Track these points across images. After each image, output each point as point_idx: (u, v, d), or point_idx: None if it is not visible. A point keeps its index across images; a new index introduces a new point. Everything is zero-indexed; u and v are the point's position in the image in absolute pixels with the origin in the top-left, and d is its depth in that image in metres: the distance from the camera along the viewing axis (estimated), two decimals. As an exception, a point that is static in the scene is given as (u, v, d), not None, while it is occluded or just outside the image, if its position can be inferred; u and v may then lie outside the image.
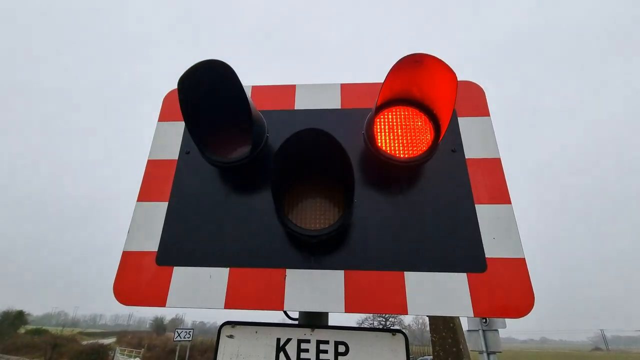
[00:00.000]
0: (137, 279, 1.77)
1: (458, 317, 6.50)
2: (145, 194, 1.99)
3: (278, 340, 1.74)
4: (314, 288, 1.70)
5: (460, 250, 1.77)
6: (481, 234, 1.81)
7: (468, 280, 1.70)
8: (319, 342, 1.72)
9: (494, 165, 2.00)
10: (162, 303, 1.71)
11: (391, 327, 1.88)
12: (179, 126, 2.20)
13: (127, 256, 1.83)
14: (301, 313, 1.88)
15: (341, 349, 1.71)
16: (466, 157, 2.02)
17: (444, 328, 6.87)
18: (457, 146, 2.05)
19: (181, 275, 1.77)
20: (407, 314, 1.62)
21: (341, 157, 1.52)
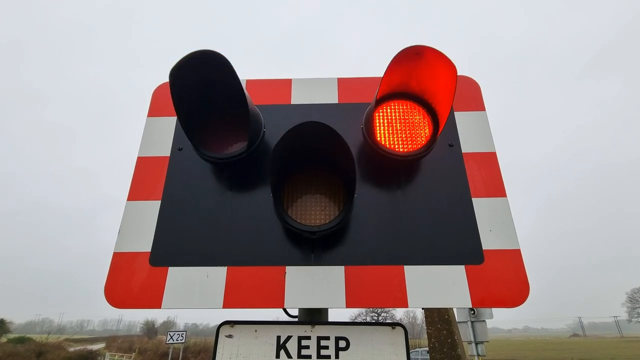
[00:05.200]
0: (130, 281, 1.72)
1: (452, 309, 6.60)
2: (136, 193, 1.93)
3: (278, 338, 1.71)
4: (315, 284, 1.68)
5: (458, 243, 1.78)
6: (478, 226, 1.82)
7: (466, 272, 1.71)
8: (319, 339, 1.71)
9: (490, 159, 2.02)
10: (157, 305, 1.66)
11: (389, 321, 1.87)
12: (171, 121, 2.13)
13: (118, 258, 1.77)
14: (301, 310, 1.86)
15: (342, 344, 1.70)
16: (463, 151, 2.03)
17: (439, 320, 7.01)
18: (454, 140, 2.06)
19: (176, 275, 1.72)
20: (407, 307, 1.61)
21: (343, 151, 1.50)
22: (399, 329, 1.74)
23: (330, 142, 1.51)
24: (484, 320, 9.01)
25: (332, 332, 1.72)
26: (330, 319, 1.87)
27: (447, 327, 6.89)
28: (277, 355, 1.68)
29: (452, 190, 1.91)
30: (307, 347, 1.69)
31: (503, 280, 1.70)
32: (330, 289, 1.67)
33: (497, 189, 1.93)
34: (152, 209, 1.88)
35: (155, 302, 1.66)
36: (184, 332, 24.46)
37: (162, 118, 2.16)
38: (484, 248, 1.77)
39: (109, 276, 1.72)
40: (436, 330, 6.96)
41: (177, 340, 23.51)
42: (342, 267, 1.71)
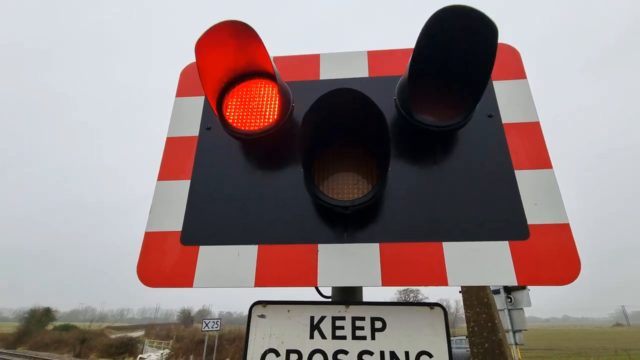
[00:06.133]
0: (162, 260, 1.73)
1: (491, 293, 6.36)
2: (166, 173, 1.94)
3: (312, 318, 1.67)
4: (349, 263, 1.62)
5: (500, 218, 1.66)
6: (522, 200, 1.69)
7: (510, 249, 1.59)
8: (354, 319, 1.65)
9: (533, 129, 1.87)
10: (188, 283, 1.66)
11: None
12: (199, 101, 2.12)
13: (149, 237, 1.79)
14: (334, 290, 1.81)
15: (378, 324, 1.63)
16: (503, 122, 1.89)
17: (478, 304, 6.74)
18: (493, 111, 1.91)
19: (207, 254, 1.71)
20: (447, 285, 1.52)
21: (377, 120, 1.40)
22: (438, 310, 1.66)
23: (363, 110, 1.42)
24: (522, 309, 8.68)
25: (368, 313, 1.66)
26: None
27: (486, 311, 6.60)
28: (311, 336, 1.64)
29: (492, 163, 1.78)
30: (342, 327, 1.64)
31: (551, 257, 1.57)
32: (365, 267, 1.60)
33: (541, 160, 1.78)
34: (182, 188, 1.88)
35: (186, 281, 1.66)
36: (219, 320, 25.14)
37: (190, 98, 2.15)
38: (529, 223, 1.64)
39: (141, 256, 1.74)
40: (475, 314, 6.70)
41: (212, 327, 24.19)
42: (377, 245, 1.64)
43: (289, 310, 1.70)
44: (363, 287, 1.85)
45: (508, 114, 1.90)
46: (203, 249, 1.73)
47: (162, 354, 30.02)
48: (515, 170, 1.75)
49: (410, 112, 1.67)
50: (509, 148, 1.81)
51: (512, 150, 1.81)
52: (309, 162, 1.55)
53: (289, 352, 1.61)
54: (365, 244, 1.64)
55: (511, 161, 1.78)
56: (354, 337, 1.62)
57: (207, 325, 24.23)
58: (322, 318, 1.67)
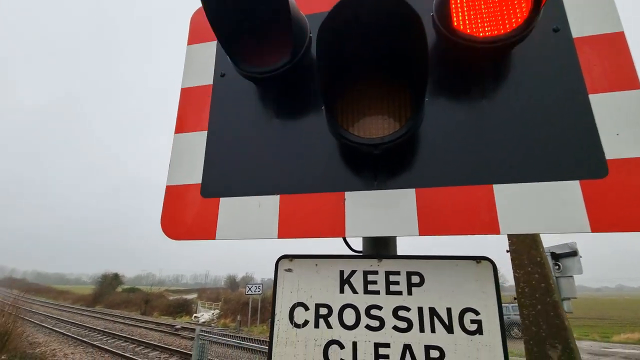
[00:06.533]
0: (183, 214, 1.66)
1: (545, 253, 5.87)
2: (183, 125, 1.82)
3: (341, 272, 1.54)
4: (380, 211, 1.42)
5: (569, 153, 1.34)
6: (599, 130, 1.35)
7: (582, 189, 1.30)
8: (388, 273, 1.49)
9: (615, 42, 1.47)
10: (211, 236, 1.58)
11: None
12: (210, 47, 1.95)
13: (171, 191, 1.71)
14: (365, 243, 1.65)
15: (415, 279, 1.46)
16: (573, 36, 1.50)
17: (529, 263, 6.19)
18: (560, 23, 1.53)
19: (228, 206, 1.61)
20: (499, 233, 1.28)
21: (410, 28, 1.11)
22: (486, 264, 1.43)
23: (392, 17, 1.15)
24: (572, 276, 8.11)
25: (403, 267, 1.49)
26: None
27: (539, 271, 6.06)
28: (342, 290, 1.51)
29: (559, 87, 1.43)
30: (374, 282, 1.49)
31: (637, 197, 1.25)
32: (399, 215, 1.40)
33: (626, 80, 1.40)
34: (199, 139, 1.76)
35: (209, 233, 1.59)
36: (261, 285, 27.08)
37: (201, 44, 1.98)
38: (607, 157, 1.32)
39: (163, 209, 1.68)
40: (526, 274, 6.17)
41: (255, 292, 26.25)
42: (413, 190, 1.41)
43: (316, 265, 1.58)
44: (397, 240, 1.66)
45: (580, 26, 1.51)
46: (223, 201, 1.63)
47: (213, 313, 32.99)
48: (589, 95, 1.40)
49: (452, 29, 1.36)
50: (582, 67, 1.44)
51: (586, 70, 1.44)
52: (330, 97, 1.33)
53: (318, 306, 1.51)
54: (399, 189, 1.43)
55: (584, 84, 1.42)
56: (388, 292, 1.46)
57: (250, 289, 26.46)
58: (353, 272, 1.53)
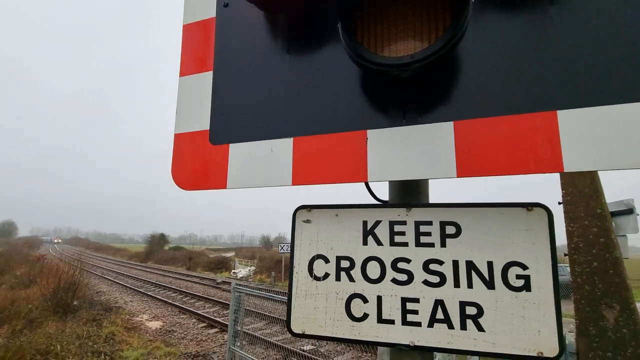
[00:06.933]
0: (193, 162, 1.53)
1: (606, 203, 5.26)
2: (186, 67, 1.65)
3: (364, 223, 1.38)
4: (409, 150, 1.20)
5: None
6: None
7: (680, 115, 0.99)
8: (417, 223, 1.30)
9: None
10: (222, 185, 1.46)
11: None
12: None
13: (179, 139, 1.59)
14: (392, 190, 1.45)
15: (450, 230, 1.26)
16: None
17: (586, 215, 5.46)
18: None
19: (238, 152, 1.46)
20: (562, 170, 1.03)
21: None
22: (540, 211, 1.20)
23: None
24: (625, 235, 7.47)
25: (436, 216, 1.29)
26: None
27: (599, 224, 5.31)
28: (365, 242, 1.36)
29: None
30: (402, 233, 1.31)
31: None
32: (432, 154, 1.17)
33: None
34: (205, 81, 1.58)
35: (220, 182, 1.46)
36: (292, 244, 28.59)
37: (200, -29, 1.73)
38: None
39: (173, 159, 1.57)
40: (582, 228, 5.44)
41: (286, 250, 27.85)
42: (450, 124, 1.17)
43: (337, 215, 1.42)
44: (429, 185, 1.45)
45: None
46: (233, 147, 1.48)
47: (249, 269, 35.31)
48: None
49: None
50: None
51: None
52: (347, 8, 1.07)
53: (339, 258, 1.38)
54: (433, 124, 1.19)
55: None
56: (418, 245, 1.29)
57: (282, 248, 28.36)
58: (377, 223, 1.36)
